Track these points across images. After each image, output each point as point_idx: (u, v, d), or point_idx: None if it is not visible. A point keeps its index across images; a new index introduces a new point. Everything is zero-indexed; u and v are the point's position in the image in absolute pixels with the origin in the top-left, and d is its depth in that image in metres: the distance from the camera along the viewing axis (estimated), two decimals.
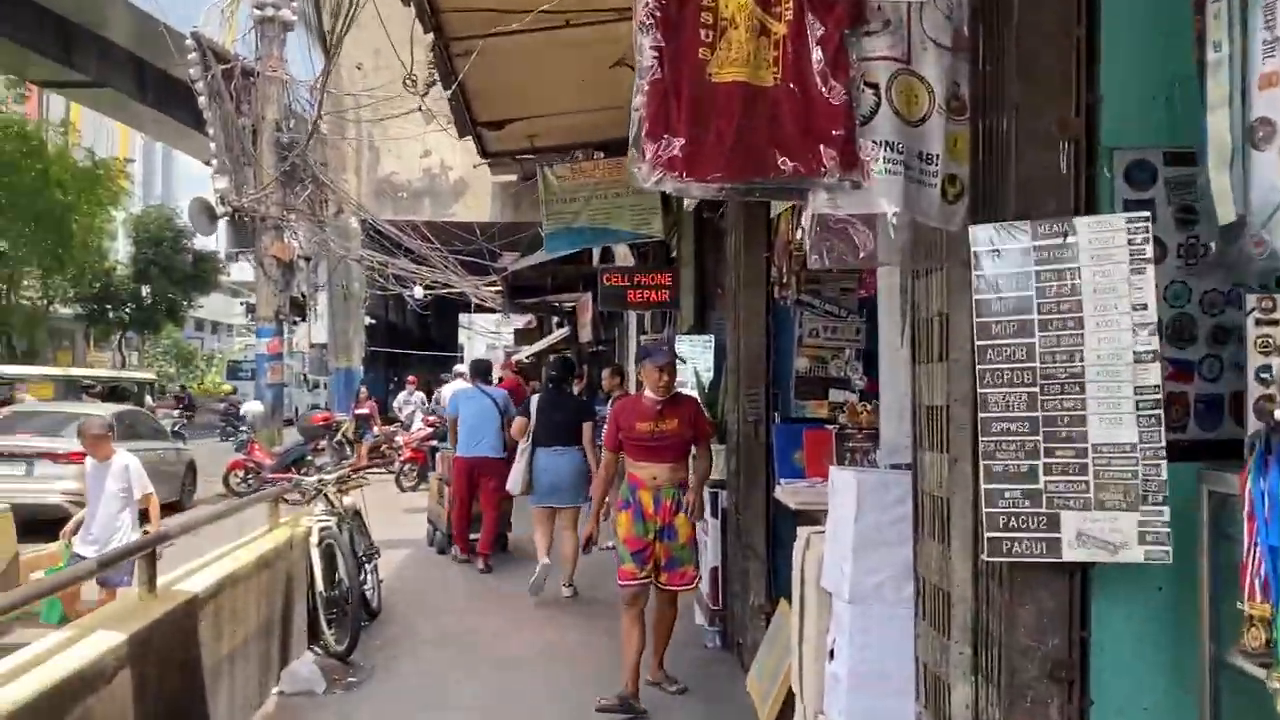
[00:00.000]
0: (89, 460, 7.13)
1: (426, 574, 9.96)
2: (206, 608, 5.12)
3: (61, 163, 32.17)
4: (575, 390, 11.17)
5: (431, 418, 17.23)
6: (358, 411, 17.95)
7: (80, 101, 36.08)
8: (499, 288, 18.91)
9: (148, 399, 21.87)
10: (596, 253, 14.43)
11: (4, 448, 13.05)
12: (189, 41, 15.98)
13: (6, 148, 29.57)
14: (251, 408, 16.82)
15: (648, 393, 6.00)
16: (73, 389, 19.48)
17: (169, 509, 16.34)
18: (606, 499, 6.41)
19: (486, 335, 51.45)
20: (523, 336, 33.43)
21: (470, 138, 9.41)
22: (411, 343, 27.52)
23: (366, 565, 7.95)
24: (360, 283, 20.92)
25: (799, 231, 5.80)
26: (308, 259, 18.08)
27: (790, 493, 5.56)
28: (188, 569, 5.43)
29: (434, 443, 16.64)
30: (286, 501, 7.48)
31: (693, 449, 6.09)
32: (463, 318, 47.50)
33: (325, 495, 7.50)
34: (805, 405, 6.44)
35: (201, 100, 16.37)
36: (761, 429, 6.45)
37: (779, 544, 6.13)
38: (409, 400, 18.83)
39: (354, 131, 20.54)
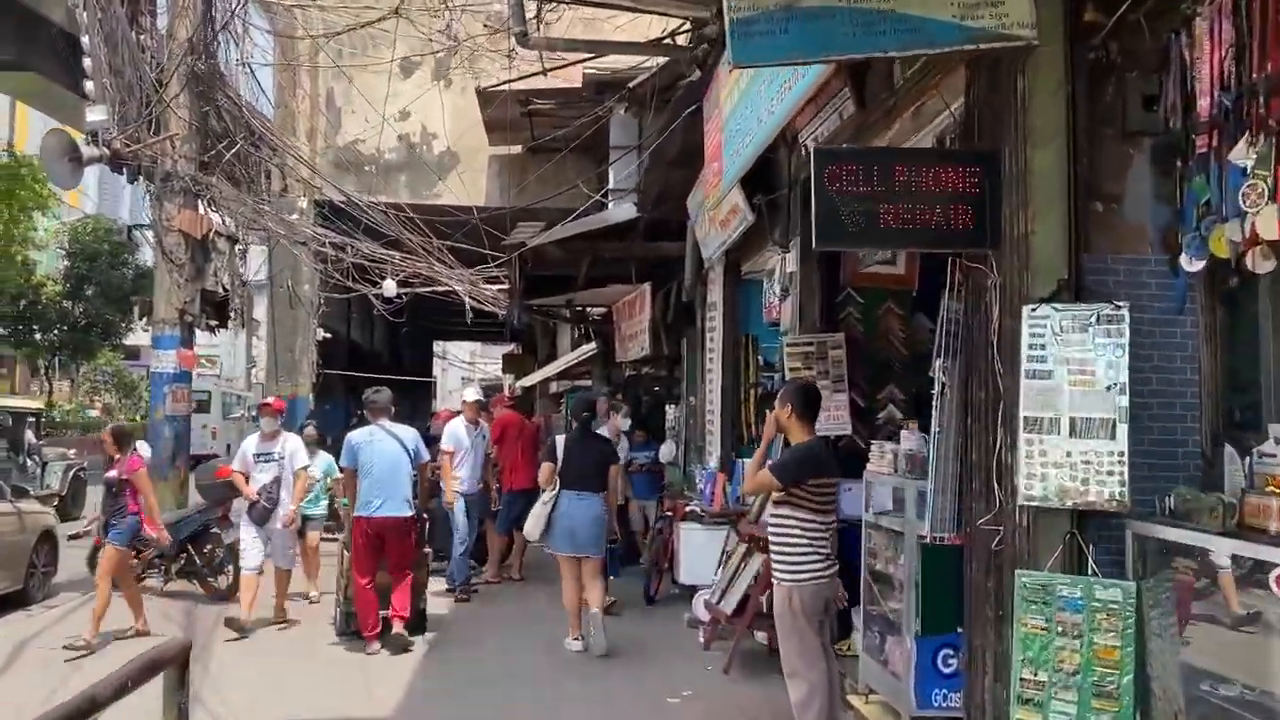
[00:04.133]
0: None
1: None
2: None
3: None
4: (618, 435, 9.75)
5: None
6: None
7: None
8: (503, 285, 12.81)
9: (28, 434, 15.33)
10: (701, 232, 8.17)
11: None
12: None
13: None
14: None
15: None
16: None
17: (8, 603, 10.00)
18: None
19: (461, 366, 45.17)
20: (512, 364, 27.24)
21: None
22: (379, 368, 21.18)
23: None
24: (312, 283, 14.66)
25: None
26: (234, 240, 11.85)
27: None
28: None
29: None
30: None
31: None
32: (436, 346, 41.16)
33: None
34: None
35: None
36: None
37: None
38: (270, 448, 8.46)
39: (306, 81, 14.43)
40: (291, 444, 8.54)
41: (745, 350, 9.59)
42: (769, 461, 5.09)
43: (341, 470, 8.29)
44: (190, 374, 11.55)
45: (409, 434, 7.92)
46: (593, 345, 13.63)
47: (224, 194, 11.50)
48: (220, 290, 11.45)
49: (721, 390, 9.47)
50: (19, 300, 29.73)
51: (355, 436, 7.81)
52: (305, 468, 8.56)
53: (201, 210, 11.32)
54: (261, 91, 13.76)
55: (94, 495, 15.44)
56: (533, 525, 7.67)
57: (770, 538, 5.04)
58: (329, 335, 15.47)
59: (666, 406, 11.64)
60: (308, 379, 14.89)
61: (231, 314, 11.98)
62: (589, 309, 13.25)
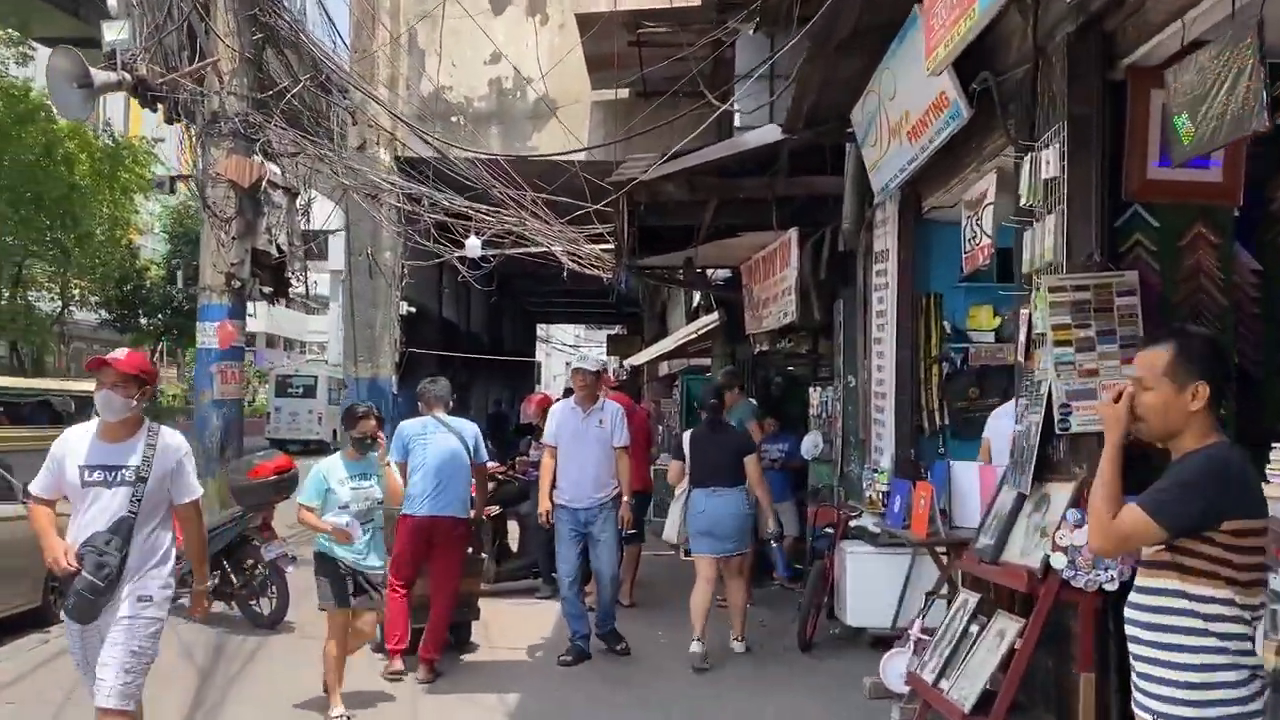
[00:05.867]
0: None
1: None
2: None
3: (81, 138, 24.63)
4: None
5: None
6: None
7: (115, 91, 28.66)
8: (607, 244, 10.49)
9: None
10: None
11: None
12: None
13: None
14: None
15: None
16: None
17: (25, 624, 8.01)
18: None
19: (565, 350, 43.23)
20: (617, 346, 25.03)
21: None
22: (476, 350, 19.20)
23: None
24: (393, 250, 12.63)
25: None
26: (293, 193, 9.83)
27: None
28: None
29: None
30: None
31: None
32: (539, 330, 39.32)
33: None
34: None
35: None
36: None
37: None
38: (120, 457, 3.93)
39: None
40: (170, 451, 4.02)
41: (926, 314, 7.07)
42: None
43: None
44: (243, 350, 9.58)
45: (469, 429, 6.67)
46: (714, 316, 11.22)
47: (282, 137, 9.45)
48: (275, 251, 9.42)
49: (896, 366, 6.97)
50: (123, 285, 28.90)
51: (407, 427, 6.54)
52: (194, 501, 4.17)
53: (257, 159, 9.32)
54: (335, 30, 11.76)
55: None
56: (671, 527, 7.22)
57: (1133, 629, 2.58)
58: (413, 310, 13.44)
59: (811, 389, 9.14)
60: (389, 359, 12.87)
61: (292, 280, 9.96)
62: (711, 272, 10.87)
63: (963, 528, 5.34)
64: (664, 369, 17.35)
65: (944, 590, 5.60)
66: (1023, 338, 4.77)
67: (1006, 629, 4.14)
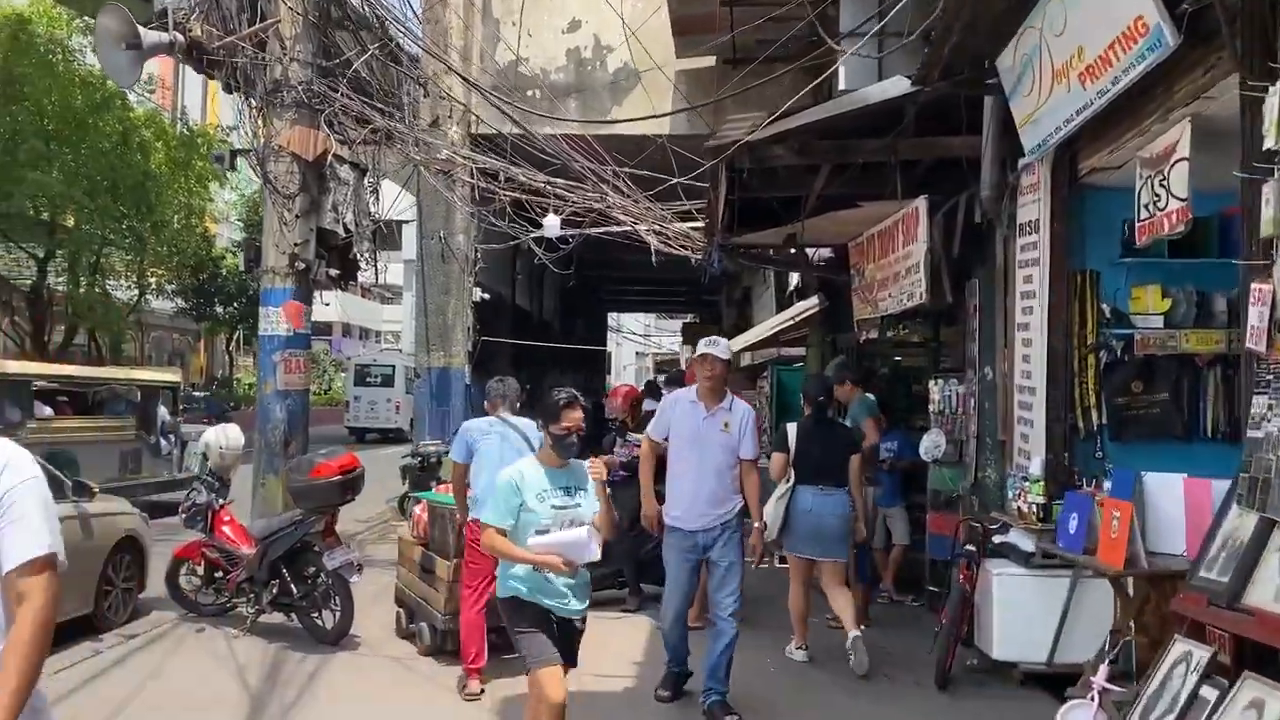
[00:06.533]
0: None
1: None
2: None
3: (158, 126, 24.49)
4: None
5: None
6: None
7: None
8: (694, 221, 9.54)
9: (161, 410, 13.25)
10: None
11: None
12: None
13: (75, 103, 21.93)
14: (218, 438, 7.67)
15: None
16: (18, 395, 10.96)
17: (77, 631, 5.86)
18: None
19: (635, 339, 42.44)
20: (692, 336, 24.04)
21: None
22: (548, 338, 18.44)
23: None
24: (467, 234, 11.89)
25: None
26: (361, 169, 9.10)
27: None
28: None
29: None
30: None
31: None
32: (610, 319, 38.50)
33: None
34: None
35: None
36: None
37: None
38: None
39: None
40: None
41: (1082, 295, 6.05)
42: None
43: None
44: (307, 336, 8.88)
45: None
46: (814, 300, 10.21)
47: (349, 108, 8.72)
48: (342, 231, 8.70)
49: (1048, 354, 5.97)
50: (199, 273, 28.84)
51: (473, 427, 6.04)
52: (33, 564, 2.04)
53: (323, 131, 8.61)
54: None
55: (241, 479, 13.34)
56: (770, 522, 6.30)
57: None
58: (486, 296, 12.70)
59: (931, 382, 8.10)
60: (462, 347, 12.14)
61: (361, 262, 9.23)
62: (813, 252, 9.87)
63: (1161, 554, 4.35)
64: (746, 359, 16.31)
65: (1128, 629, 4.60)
66: (1259, 320, 3.75)
67: (1268, 701, 3.15)
